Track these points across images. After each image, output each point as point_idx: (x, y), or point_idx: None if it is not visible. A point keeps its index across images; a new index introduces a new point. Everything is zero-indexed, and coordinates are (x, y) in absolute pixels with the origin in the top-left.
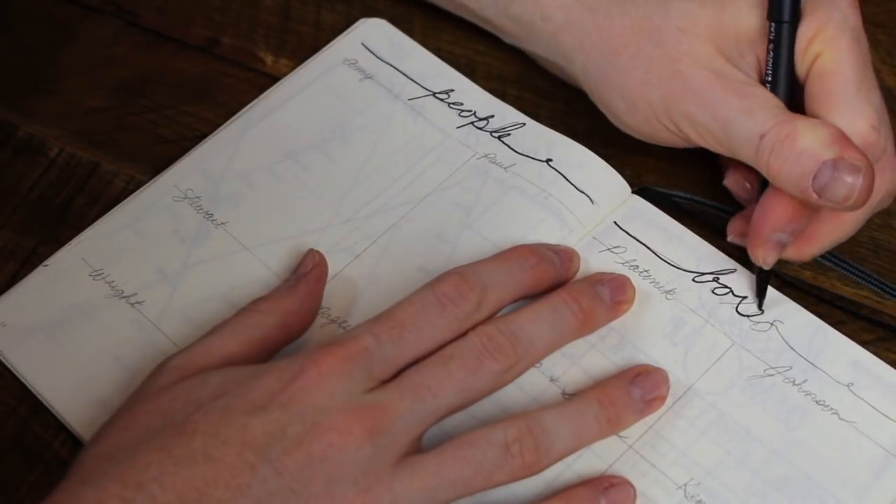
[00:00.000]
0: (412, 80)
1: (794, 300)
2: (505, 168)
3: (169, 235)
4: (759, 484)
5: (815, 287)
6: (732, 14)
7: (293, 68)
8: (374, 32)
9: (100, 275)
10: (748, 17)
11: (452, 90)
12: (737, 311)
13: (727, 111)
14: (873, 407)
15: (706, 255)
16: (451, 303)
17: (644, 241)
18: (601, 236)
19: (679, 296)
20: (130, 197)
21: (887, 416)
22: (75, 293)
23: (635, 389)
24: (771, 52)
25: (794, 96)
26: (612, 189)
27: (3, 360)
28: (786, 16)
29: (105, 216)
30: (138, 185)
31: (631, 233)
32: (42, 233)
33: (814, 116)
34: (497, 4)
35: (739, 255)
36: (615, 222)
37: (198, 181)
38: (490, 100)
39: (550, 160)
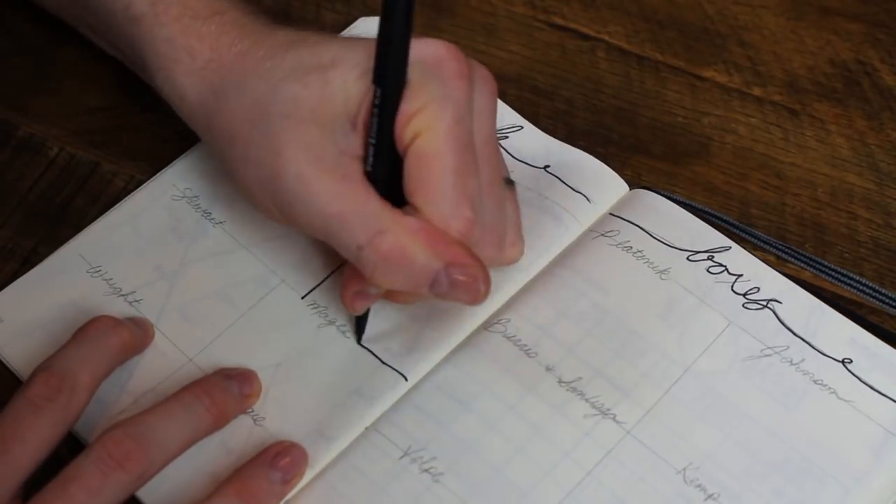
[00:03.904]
0: None
1: None
2: None
3: (167, 233)
4: (759, 466)
5: (815, 286)
6: (338, 88)
7: None
8: (372, 31)
9: (98, 272)
10: (354, 87)
11: None
12: (732, 289)
13: (321, 219)
14: (871, 386)
15: (700, 233)
16: (45, 400)
17: (636, 223)
18: (595, 226)
19: (673, 275)
20: (129, 195)
21: (886, 395)
22: (73, 290)
23: (232, 384)
24: (374, 123)
25: (396, 170)
26: (609, 188)
27: (0, 357)
28: (389, 81)
29: (104, 214)
30: (138, 185)
31: (623, 216)
32: (42, 232)
33: (410, 197)
34: (145, 72)
35: (733, 233)
36: (610, 213)
37: (196, 180)
38: None
39: (548, 167)
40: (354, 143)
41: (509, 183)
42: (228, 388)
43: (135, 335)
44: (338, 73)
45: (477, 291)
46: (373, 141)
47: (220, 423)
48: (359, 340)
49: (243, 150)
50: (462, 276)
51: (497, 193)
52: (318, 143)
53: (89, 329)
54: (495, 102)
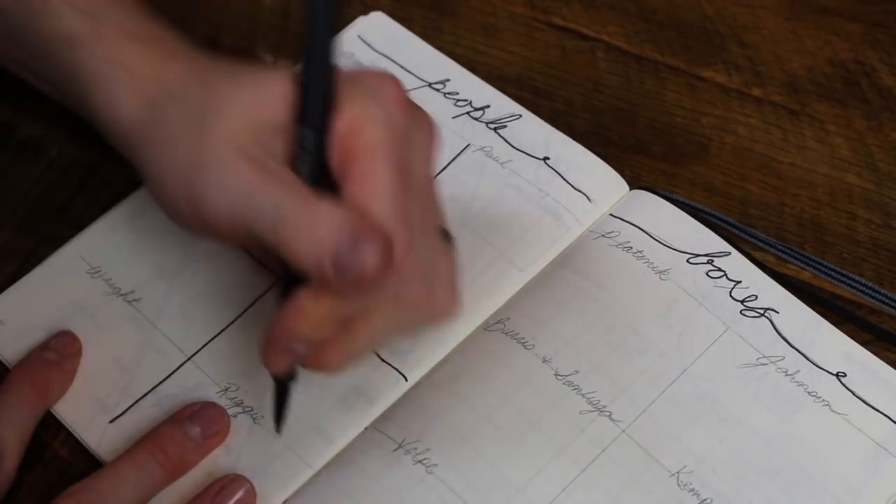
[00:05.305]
0: (408, 71)
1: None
2: (502, 164)
3: (167, 233)
4: (752, 474)
5: (814, 286)
6: (272, 92)
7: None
8: (372, 26)
9: (98, 272)
10: (287, 94)
11: (448, 80)
12: (730, 295)
13: (239, 198)
14: (864, 400)
15: (700, 236)
16: None
17: (637, 224)
18: (596, 227)
19: (673, 277)
20: (129, 195)
21: (878, 410)
22: (74, 291)
23: (193, 427)
24: (305, 155)
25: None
26: (609, 187)
27: (1, 359)
28: (313, 123)
29: (104, 214)
30: (138, 186)
31: (624, 217)
32: (42, 232)
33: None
34: (79, 97)
35: (733, 233)
36: (611, 214)
37: None
38: (486, 89)
39: (548, 159)
40: (283, 149)
41: (447, 237)
42: (187, 435)
43: (58, 368)
44: (273, 80)
45: (372, 264)
46: (306, 152)
47: (177, 474)
48: (279, 428)
49: (171, 152)
50: (365, 244)
51: (430, 241)
52: (243, 137)
53: (9, 385)
54: (435, 146)
